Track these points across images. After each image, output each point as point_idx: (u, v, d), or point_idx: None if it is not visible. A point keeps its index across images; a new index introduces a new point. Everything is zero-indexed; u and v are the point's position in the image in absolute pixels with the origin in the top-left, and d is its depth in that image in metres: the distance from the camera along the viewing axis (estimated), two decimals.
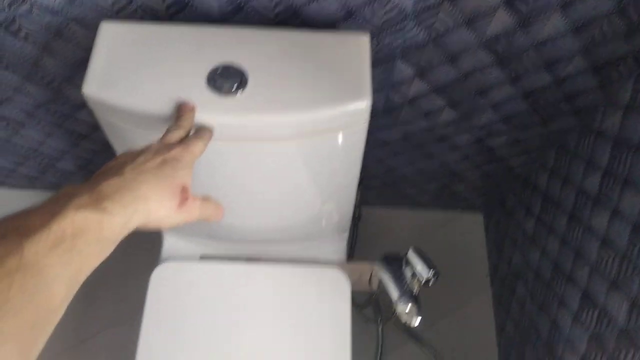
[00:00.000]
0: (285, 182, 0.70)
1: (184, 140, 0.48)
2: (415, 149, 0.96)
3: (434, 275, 0.75)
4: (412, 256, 0.77)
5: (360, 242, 1.14)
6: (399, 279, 0.78)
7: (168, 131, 0.49)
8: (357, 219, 1.08)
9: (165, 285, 0.82)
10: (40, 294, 0.31)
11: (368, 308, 1.14)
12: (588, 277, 0.80)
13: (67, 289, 0.33)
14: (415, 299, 0.76)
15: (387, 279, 0.78)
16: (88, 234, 0.35)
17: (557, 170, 0.93)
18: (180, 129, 0.50)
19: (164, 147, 0.46)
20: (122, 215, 0.37)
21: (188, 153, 0.46)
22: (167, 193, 0.42)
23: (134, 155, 0.43)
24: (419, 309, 0.75)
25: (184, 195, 0.44)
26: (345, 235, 0.90)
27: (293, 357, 0.79)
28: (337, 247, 0.89)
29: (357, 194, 1.01)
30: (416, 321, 0.74)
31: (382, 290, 0.86)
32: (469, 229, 1.28)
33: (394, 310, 1.07)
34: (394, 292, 0.77)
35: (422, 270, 0.75)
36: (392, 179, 1.11)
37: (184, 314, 0.80)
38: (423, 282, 0.75)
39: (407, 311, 0.74)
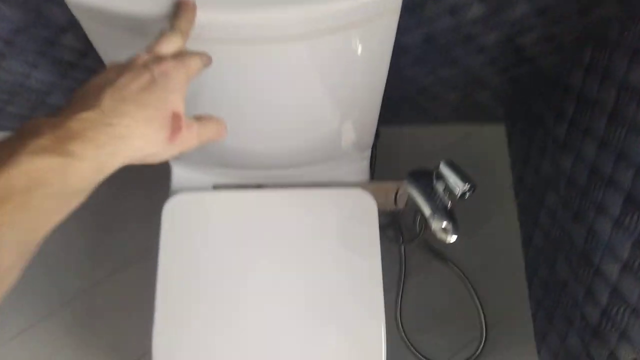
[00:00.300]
0: (302, 93, 0.62)
1: (179, 53, 0.39)
2: (437, 54, 0.87)
3: (470, 189, 0.69)
4: (444, 169, 0.71)
5: (379, 164, 1.09)
6: (429, 194, 0.72)
7: (162, 36, 0.40)
8: (375, 138, 1.01)
9: (180, 217, 0.77)
10: None
11: (389, 229, 1.10)
12: (633, 179, 0.74)
13: (17, 254, 0.27)
14: (450, 214, 0.71)
15: (417, 196, 0.73)
16: (47, 186, 0.28)
17: (594, 66, 0.84)
18: (177, 34, 0.40)
19: (153, 59, 0.37)
20: (94, 158, 0.30)
21: (182, 68, 0.38)
22: (154, 125, 0.34)
23: (116, 72, 0.35)
24: (455, 225, 0.70)
25: (177, 123, 0.36)
26: (367, 154, 0.83)
27: (322, 284, 0.75)
28: (359, 167, 0.83)
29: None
30: (452, 238, 0.69)
31: (411, 208, 0.81)
32: (490, 141, 1.21)
33: (420, 230, 1.03)
34: (426, 209, 0.72)
35: (456, 184, 0.70)
36: (410, 92, 1.03)
37: (202, 246, 0.75)
38: (459, 195, 0.69)
39: (442, 227, 0.70)
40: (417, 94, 1.04)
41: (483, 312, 1.09)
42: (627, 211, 0.75)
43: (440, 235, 0.70)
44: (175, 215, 0.77)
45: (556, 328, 1.00)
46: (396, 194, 0.83)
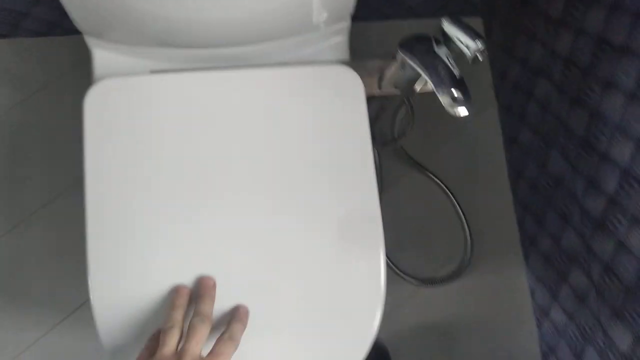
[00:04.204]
0: None
1: (214, 348, 0.49)
2: None
3: (484, 48, 0.56)
4: (449, 28, 0.58)
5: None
6: (430, 64, 0.59)
7: (193, 330, 0.49)
8: None
9: (108, 109, 0.58)
10: None
11: None
12: None
13: None
14: (460, 82, 0.58)
15: (417, 67, 0.59)
16: None
17: None
18: (206, 324, 0.50)
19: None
20: None
21: None
22: None
23: None
24: (467, 94, 0.57)
25: None
26: (346, 25, 0.68)
27: (300, 178, 0.60)
28: (336, 43, 0.68)
29: None
30: (464, 110, 0.57)
31: (404, 88, 0.68)
32: None
33: (401, 131, 0.90)
34: (430, 79, 0.58)
35: (467, 43, 0.56)
36: None
37: (142, 144, 0.58)
38: (472, 58, 0.56)
39: (454, 97, 0.57)
40: None
41: (467, 223, 1.00)
42: None
43: (451, 109, 0.57)
44: (102, 106, 0.58)
45: (548, 230, 0.92)
46: (381, 76, 0.68)
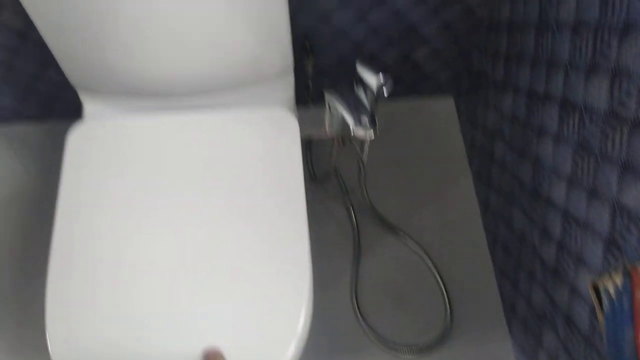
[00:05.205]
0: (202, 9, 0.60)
1: None
2: None
3: (385, 81, 0.64)
4: (360, 69, 0.67)
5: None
6: (347, 100, 0.67)
7: None
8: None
9: (85, 147, 0.71)
10: None
11: (329, 182, 1.04)
12: (563, 81, 0.69)
13: None
14: (370, 113, 0.65)
15: (338, 103, 0.68)
16: None
17: None
18: None
19: None
20: None
21: None
22: None
23: None
24: (374, 121, 0.64)
25: None
26: (290, 80, 0.78)
27: (240, 211, 0.67)
28: (284, 95, 0.78)
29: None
30: (371, 135, 0.63)
31: (340, 129, 0.76)
32: (441, 115, 1.16)
33: (359, 174, 0.95)
34: (348, 117, 0.66)
35: (371, 79, 0.65)
36: (344, 49, 1.00)
37: (113, 177, 0.69)
38: (376, 91, 0.64)
39: (363, 123, 0.64)
40: (355, 52, 1.01)
41: (445, 289, 0.98)
42: (564, 119, 0.69)
43: (363, 134, 0.64)
44: (80, 145, 0.71)
45: (521, 292, 0.89)
46: (328, 120, 0.77)
